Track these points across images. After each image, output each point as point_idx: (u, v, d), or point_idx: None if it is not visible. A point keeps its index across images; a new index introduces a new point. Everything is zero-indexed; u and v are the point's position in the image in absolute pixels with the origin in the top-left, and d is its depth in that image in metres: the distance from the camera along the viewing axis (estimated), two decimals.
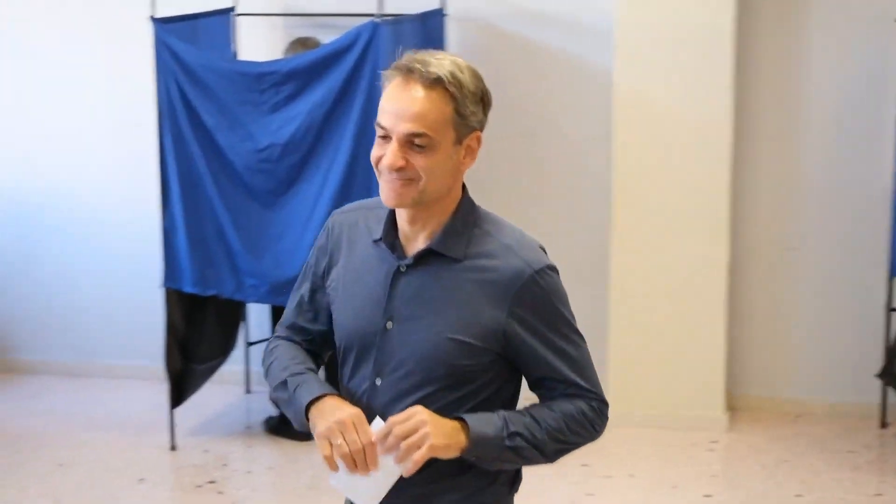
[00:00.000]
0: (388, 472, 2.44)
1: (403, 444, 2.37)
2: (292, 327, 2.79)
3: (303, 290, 2.76)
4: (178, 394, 6.09)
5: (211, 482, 5.74)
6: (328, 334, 2.73)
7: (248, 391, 6.91)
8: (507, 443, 2.48)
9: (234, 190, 5.79)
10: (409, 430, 2.38)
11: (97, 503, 5.41)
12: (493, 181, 6.41)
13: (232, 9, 6.42)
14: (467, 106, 2.46)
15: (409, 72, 2.43)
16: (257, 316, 6.67)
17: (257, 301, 6.03)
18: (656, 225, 6.29)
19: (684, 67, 6.16)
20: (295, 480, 5.77)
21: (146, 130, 6.07)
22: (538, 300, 2.53)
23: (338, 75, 5.58)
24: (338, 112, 5.63)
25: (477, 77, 2.50)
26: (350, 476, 2.44)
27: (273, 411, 6.29)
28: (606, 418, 2.65)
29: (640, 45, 6.18)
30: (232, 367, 6.70)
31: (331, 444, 2.43)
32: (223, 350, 6.45)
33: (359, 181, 5.62)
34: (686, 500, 5.51)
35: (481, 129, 2.53)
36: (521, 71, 6.59)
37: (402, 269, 2.56)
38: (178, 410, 6.11)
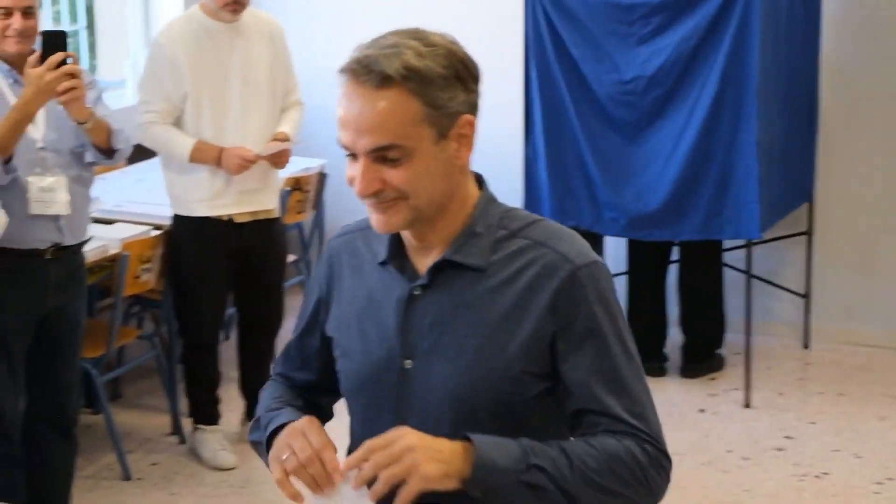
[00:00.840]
0: None
1: (382, 475, 1.85)
2: (280, 375, 2.40)
3: (294, 331, 2.38)
4: None
5: None
6: (319, 385, 2.33)
7: None
8: (524, 477, 1.91)
9: (597, 121, 5.77)
10: (392, 457, 1.86)
11: None
12: (867, 119, 6.18)
13: None
14: (438, 94, 1.98)
15: (354, 74, 1.98)
16: (614, 249, 6.61)
17: (615, 234, 6.01)
18: None
19: None
20: None
21: (512, 61, 6.09)
22: (580, 305, 2.02)
23: (708, 8, 5.48)
24: (706, 46, 5.53)
25: (446, 53, 2.02)
26: None
27: None
28: (665, 472, 2.04)
29: None
30: None
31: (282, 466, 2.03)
32: None
33: (725, 118, 5.53)
34: None
35: (472, 111, 2.06)
36: None
37: (417, 293, 2.09)
38: None
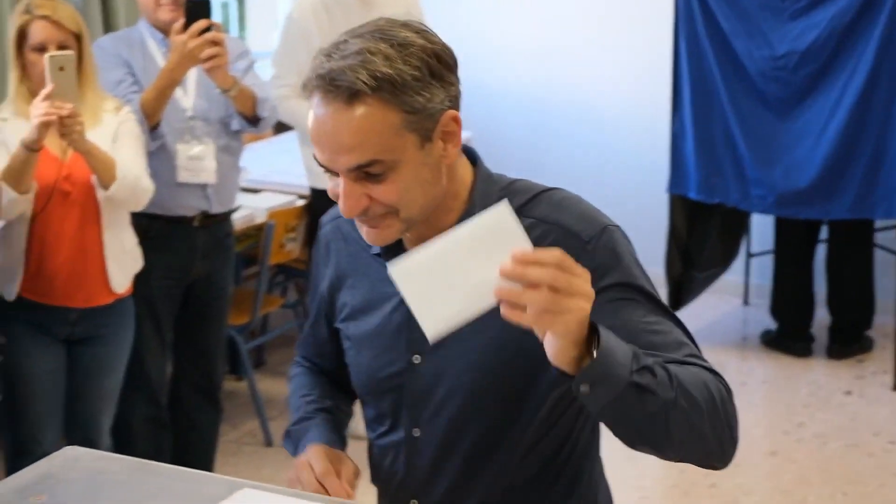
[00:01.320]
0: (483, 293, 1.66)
1: (549, 292, 1.60)
2: (304, 358, 2.35)
3: (308, 318, 2.31)
4: (676, 300, 6.15)
5: None
6: (339, 374, 2.23)
7: (745, 303, 6.83)
8: (636, 378, 1.70)
9: (747, 97, 5.70)
10: (571, 287, 1.62)
11: None
12: None
13: None
14: (415, 98, 1.82)
15: (319, 89, 1.82)
16: (760, 227, 6.54)
17: (762, 212, 5.94)
18: None
19: None
20: (790, 396, 5.68)
21: (660, 35, 6.07)
22: (595, 280, 1.75)
23: None
24: (862, 22, 5.44)
25: (417, 51, 1.83)
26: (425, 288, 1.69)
27: (771, 324, 6.20)
28: (736, 418, 1.86)
29: None
30: (732, 277, 6.64)
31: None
32: (724, 259, 6.39)
33: (879, 95, 5.45)
34: None
35: (454, 105, 1.88)
36: None
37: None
38: (678, 315, 6.07)
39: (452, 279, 1.66)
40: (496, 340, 1.91)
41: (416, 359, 2.00)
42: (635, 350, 1.72)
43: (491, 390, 1.95)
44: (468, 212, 1.92)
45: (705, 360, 1.87)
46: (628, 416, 1.72)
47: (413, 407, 2.02)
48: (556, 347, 1.65)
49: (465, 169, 1.98)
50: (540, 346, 1.71)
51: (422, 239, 1.85)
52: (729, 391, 1.84)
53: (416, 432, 2.03)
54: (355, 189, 1.84)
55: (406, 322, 1.96)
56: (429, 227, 1.92)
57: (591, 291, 1.64)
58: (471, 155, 2.01)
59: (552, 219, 1.93)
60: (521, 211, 1.86)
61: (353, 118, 1.79)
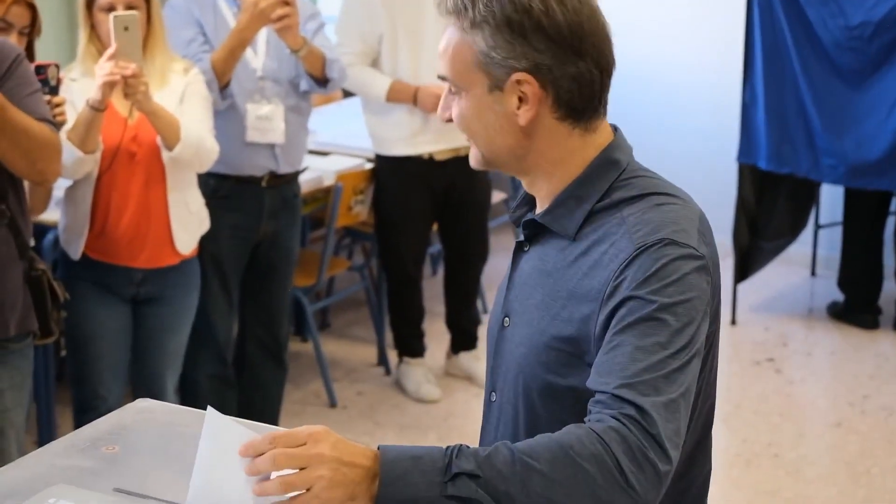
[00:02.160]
0: (247, 492, 1.64)
1: (280, 479, 1.57)
2: None
3: None
4: (743, 269, 6.09)
5: (769, 360, 5.69)
6: None
7: (813, 274, 6.75)
8: (450, 490, 1.56)
9: (820, 66, 5.62)
10: (296, 461, 1.57)
11: None
12: None
13: None
14: (485, 40, 1.79)
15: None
16: (830, 198, 6.49)
17: (833, 182, 5.87)
18: None
19: None
20: (856, 367, 5.60)
21: (734, 2, 5.99)
22: (628, 278, 1.73)
23: None
24: None
25: (511, 4, 1.78)
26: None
27: (839, 296, 6.12)
28: (654, 471, 1.61)
29: None
30: (799, 248, 6.56)
31: None
32: (792, 230, 6.32)
33: None
34: None
35: (535, 70, 1.80)
36: None
37: (525, 248, 1.94)
38: (742, 286, 6.12)
39: (226, 480, 1.63)
40: (558, 319, 1.81)
41: (506, 321, 1.94)
42: (453, 454, 1.59)
43: (531, 372, 1.85)
44: (570, 188, 1.87)
45: (642, 394, 1.64)
46: None
47: (494, 371, 1.97)
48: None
49: (588, 150, 1.88)
50: (573, 339, 1.76)
51: (538, 189, 1.92)
52: (632, 442, 1.61)
53: (494, 397, 1.97)
54: (448, 96, 1.90)
55: (507, 282, 1.96)
56: (533, 184, 1.92)
57: (321, 453, 1.57)
58: (614, 140, 1.91)
59: (631, 221, 1.80)
60: (621, 204, 1.83)
61: (444, 31, 1.86)
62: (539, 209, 1.93)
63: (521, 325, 1.89)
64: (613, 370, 1.67)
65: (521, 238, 1.95)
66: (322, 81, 4.33)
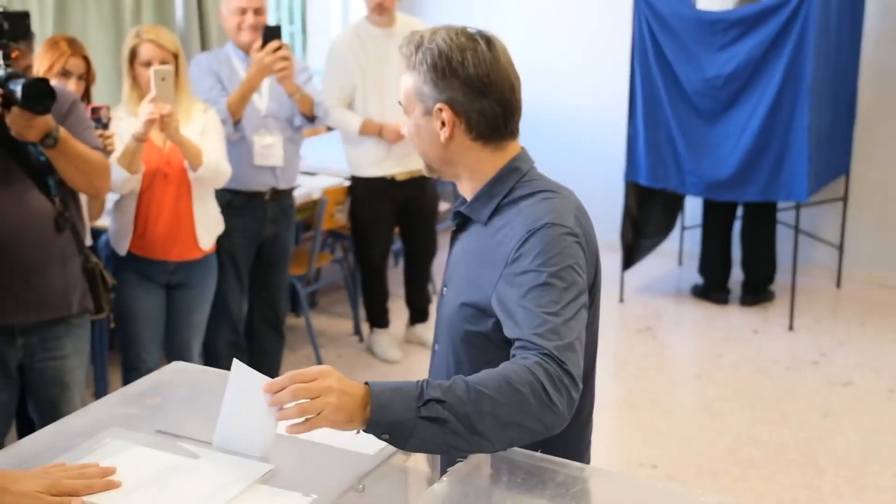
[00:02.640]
0: (268, 425, 1.67)
1: (298, 406, 1.58)
2: None
3: None
4: (628, 260, 6.08)
5: (648, 328, 5.70)
6: None
7: (679, 263, 6.76)
8: (423, 413, 1.58)
9: (685, 108, 5.62)
10: (310, 392, 1.58)
11: None
12: (894, 109, 5.90)
13: None
14: (421, 79, 1.85)
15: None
16: (693, 206, 6.50)
17: (695, 195, 5.86)
18: None
19: None
20: (712, 333, 5.62)
21: (621, 59, 6.03)
22: (523, 255, 1.78)
23: (775, 24, 5.30)
24: (772, 53, 5.35)
25: (445, 49, 1.83)
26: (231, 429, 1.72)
27: (699, 280, 6.15)
28: (567, 391, 1.66)
29: None
30: (670, 244, 6.57)
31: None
32: (665, 230, 6.33)
33: (784, 108, 5.37)
34: None
35: (450, 103, 1.84)
36: None
37: (457, 236, 1.99)
38: (628, 273, 6.12)
39: (246, 421, 1.68)
40: (470, 284, 1.87)
41: (445, 290, 1.98)
42: (423, 386, 1.60)
43: (457, 326, 1.89)
44: (486, 187, 1.91)
45: (548, 339, 1.69)
46: (437, 441, 1.60)
47: (437, 327, 2.01)
48: (340, 426, 1.59)
49: (497, 160, 1.92)
50: (486, 294, 1.80)
51: (464, 190, 1.95)
52: (552, 371, 1.65)
53: (436, 346, 2.00)
54: (405, 116, 1.93)
55: (447, 260, 2.00)
56: (461, 185, 1.95)
57: (330, 385, 1.58)
58: (519, 154, 1.95)
59: (524, 211, 1.85)
60: (519, 200, 1.88)
61: (402, 66, 1.90)
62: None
63: (451, 292, 1.94)
64: (526, 324, 1.71)
65: (454, 228, 1.99)
66: (311, 119, 4.33)
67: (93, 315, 3.18)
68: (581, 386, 1.69)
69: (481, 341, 1.85)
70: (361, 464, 1.65)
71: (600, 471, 1.78)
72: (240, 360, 4.56)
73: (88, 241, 3.35)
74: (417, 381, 1.62)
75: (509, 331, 1.75)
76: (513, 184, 1.89)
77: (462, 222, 1.96)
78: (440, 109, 1.85)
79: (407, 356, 5.23)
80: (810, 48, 5.22)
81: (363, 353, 5.31)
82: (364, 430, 1.60)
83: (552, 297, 1.73)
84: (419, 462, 1.75)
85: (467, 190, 1.94)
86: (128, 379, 3.86)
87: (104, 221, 3.94)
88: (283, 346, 4.70)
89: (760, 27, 5.33)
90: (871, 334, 5.58)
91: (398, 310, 5.50)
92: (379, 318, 5.28)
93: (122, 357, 3.91)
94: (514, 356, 1.71)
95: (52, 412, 3.00)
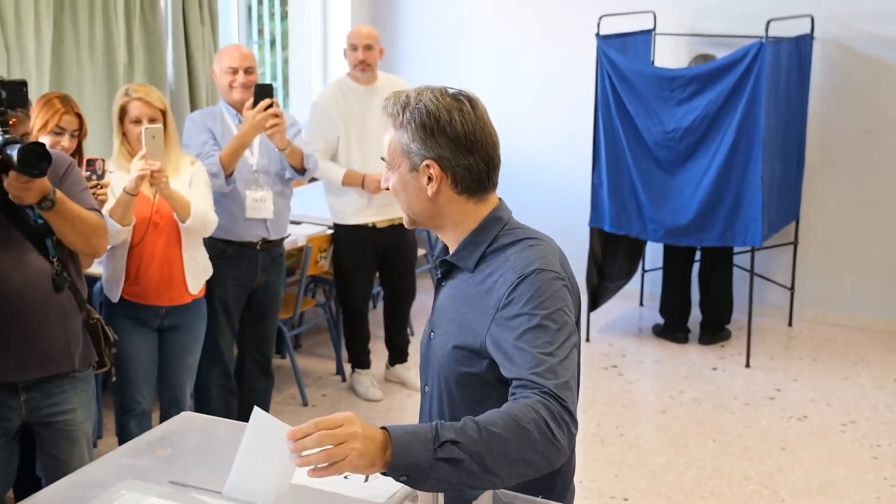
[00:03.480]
0: (283, 473, 1.64)
1: (324, 453, 1.53)
2: None
3: None
4: (594, 302, 6.07)
5: (613, 366, 5.68)
6: None
7: (641, 304, 6.75)
8: (440, 454, 1.56)
9: (645, 159, 5.65)
10: (336, 438, 1.54)
11: None
12: (840, 159, 5.97)
13: (653, 30, 6.20)
14: (403, 135, 1.85)
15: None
16: (654, 251, 6.51)
17: (655, 241, 5.87)
18: None
19: None
20: (674, 370, 5.62)
21: (585, 113, 6.03)
22: (515, 299, 1.79)
23: (729, 80, 5.35)
24: (727, 107, 5.39)
25: (433, 110, 1.83)
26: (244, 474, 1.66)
27: (660, 320, 6.15)
28: (567, 427, 1.67)
29: None
30: (631, 286, 6.57)
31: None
32: (628, 273, 6.33)
33: (738, 159, 5.41)
34: None
35: (438, 160, 1.85)
36: (867, 80, 6.10)
37: (442, 284, 1.98)
38: (593, 314, 6.12)
39: (261, 467, 1.62)
40: (461, 327, 1.87)
41: (432, 335, 1.97)
42: (437, 428, 1.59)
43: (450, 367, 1.88)
44: (470, 237, 1.91)
45: (547, 378, 1.69)
46: (452, 481, 1.58)
47: (425, 371, 2.00)
48: (363, 471, 1.56)
49: (479, 211, 1.92)
50: (482, 339, 1.80)
51: (448, 241, 1.95)
52: (553, 409, 1.66)
53: (426, 388, 1.99)
54: (387, 172, 1.91)
55: (432, 307, 1.99)
56: (445, 236, 1.95)
57: (355, 431, 1.54)
58: (499, 205, 1.96)
59: (513, 259, 1.85)
60: (505, 248, 1.88)
61: (386, 128, 1.89)
62: (449, 254, 1.96)
63: (440, 337, 1.92)
64: (523, 364, 1.71)
65: (439, 276, 1.98)
66: (301, 171, 4.28)
67: (96, 369, 3.11)
68: (577, 422, 1.70)
69: (475, 381, 1.85)
70: None
71: None
72: (232, 401, 4.48)
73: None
74: (431, 424, 1.60)
75: (507, 371, 1.75)
76: (496, 232, 1.90)
77: (447, 270, 1.96)
78: (427, 166, 1.85)
79: (388, 395, 5.17)
80: (762, 102, 5.27)
81: (346, 392, 5.25)
82: (384, 473, 1.58)
83: (546, 338, 1.74)
84: None
85: (450, 239, 1.94)
86: (123, 420, 3.79)
87: (96, 269, 3.88)
88: (273, 387, 4.63)
89: (716, 83, 5.37)
90: (823, 370, 5.59)
91: (378, 351, 5.45)
92: (361, 359, 5.23)
93: (118, 399, 3.83)
94: (513, 394, 1.71)
95: (61, 468, 2.92)
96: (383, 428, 1.58)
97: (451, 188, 1.87)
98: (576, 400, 1.72)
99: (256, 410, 1.63)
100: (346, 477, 1.55)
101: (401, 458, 1.55)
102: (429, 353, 1.97)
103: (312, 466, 1.53)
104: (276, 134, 4.04)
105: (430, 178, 1.85)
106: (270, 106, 3.99)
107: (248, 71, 4.16)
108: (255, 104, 3.99)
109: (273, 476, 1.61)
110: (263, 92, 4.02)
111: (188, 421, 2.00)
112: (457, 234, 1.92)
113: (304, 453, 1.53)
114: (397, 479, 1.57)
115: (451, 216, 1.90)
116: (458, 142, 1.84)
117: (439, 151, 1.83)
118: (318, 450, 1.52)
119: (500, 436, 1.59)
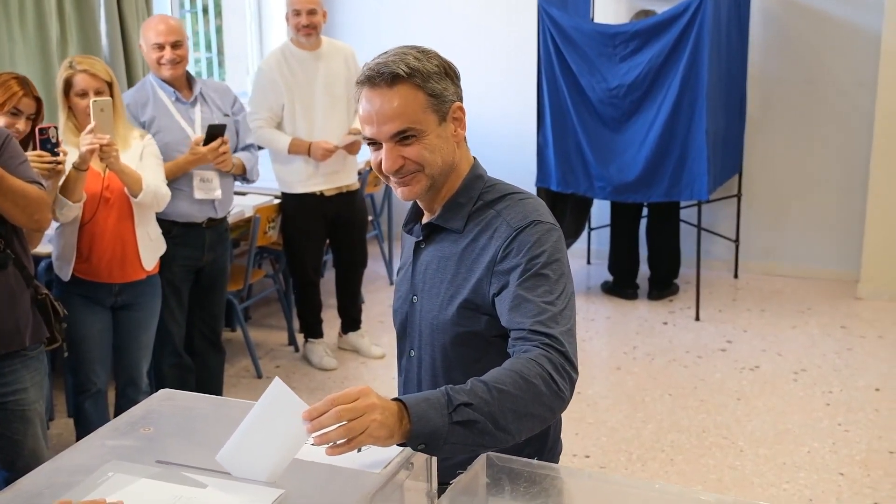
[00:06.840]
0: (288, 450, 1.59)
1: (343, 427, 1.50)
2: None
3: None
4: None
5: None
6: None
7: (588, 262, 6.82)
8: (455, 418, 1.56)
9: (590, 117, 5.66)
10: (355, 412, 1.51)
11: None
12: (780, 111, 6.03)
13: None
14: (435, 86, 1.83)
15: (370, 80, 1.82)
16: (600, 209, 6.55)
17: (603, 198, 5.91)
18: None
19: None
20: (625, 328, 5.68)
21: (529, 72, 6.06)
22: (513, 251, 1.80)
23: (671, 35, 5.38)
24: (670, 63, 5.43)
25: (433, 56, 1.86)
26: (242, 449, 1.60)
27: (608, 277, 6.19)
28: (570, 379, 1.69)
29: None
30: (579, 244, 6.61)
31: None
32: (576, 232, 6.37)
33: (683, 114, 5.45)
34: None
35: (460, 100, 1.89)
36: (805, 32, 6.17)
37: (422, 246, 1.96)
38: None
39: (265, 442, 1.57)
40: (455, 287, 1.87)
41: (414, 299, 1.96)
42: (448, 392, 1.58)
43: (445, 327, 1.88)
44: (455, 197, 1.91)
45: (549, 327, 1.71)
46: (468, 443, 1.59)
47: (411, 334, 1.97)
48: (382, 443, 1.53)
49: (466, 164, 1.95)
50: (476, 294, 1.81)
51: (430, 208, 1.93)
52: (555, 359, 1.67)
53: (412, 353, 1.98)
54: (394, 151, 1.82)
55: (411, 272, 1.97)
56: (436, 197, 1.91)
57: (373, 402, 1.51)
58: (475, 162, 1.98)
59: (505, 213, 1.86)
60: (491, 204, 1.89)
61: (394, 96, 1.80)
62: (428, 218, 1.95)
63: (428, 299, 1.91)
64: (524, 314, 1.72)
65: (419, 238, 1.96)
66: (246, 179, 4.37)
67: (47, 346, 3.04)
68: (577, 368, 1.71)
69: (473, 340, 1.85)
70: (370, 483, 1.58)
71: (599, 474, 1.76)
72: (188, 378, 4.40)
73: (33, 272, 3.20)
74: (440, 389, 1.60)
75: (507, 321, 1.75)
76: (479, 191, 1.91)
77: (428, 233, 1.94)
78: (459, 107, 1.87)
79: (342, 364, 5.16)
80: (705, 57, 5.31)
81: (300, 362, 5.22)
82: (402, 444, 1.57)
83: (546, 287, 1.76)
84: (418, 475, 1.70)
85: (435, 200, 1.92)
86: (78, 400, 3.73)
87: (44, 247, 3.79)
88: (224, 360, 4.57)
89: (658, 39, 5.41)
90: (771, 320, 5.70)
91: (329, 319, 5.41)
92: (313, 329, 5.19)
93: (73, 379, 3.77)
94: (513, 346, 1.72)
95: (16, 449, 2.87)
96: (396, 399, 1.57)
97: (462, 129, 1.90)
98: (576, 349, 1.74)
99: (276, 381, 1.56)
100: (359, 451, 1.51)
101: (420, 426, 1.55)
102: (412, 316, 1.95)
103: (331, 444, 1.50)
104: (221, 164, 4.12)
105: (457, 121, 1.87)
106: (221, 144, 4.03)
107: (176, 45, 4.04)
108: (206, 142, 4.00)
109: (276, 453, 1.56)
110: (216, 131, 4.04)
111: (168, 398, 1.96)
112: (447, 193, 1.91)
113: (322, 431, 1.50)
114: (415, 448, 1.57)
115: (459, 164, 1.91)
116: (458, 81, 1.90)
117: (457, 91, 1.88)
118: (338, 425, 1.49)
119: (509, 393, 1.60)
